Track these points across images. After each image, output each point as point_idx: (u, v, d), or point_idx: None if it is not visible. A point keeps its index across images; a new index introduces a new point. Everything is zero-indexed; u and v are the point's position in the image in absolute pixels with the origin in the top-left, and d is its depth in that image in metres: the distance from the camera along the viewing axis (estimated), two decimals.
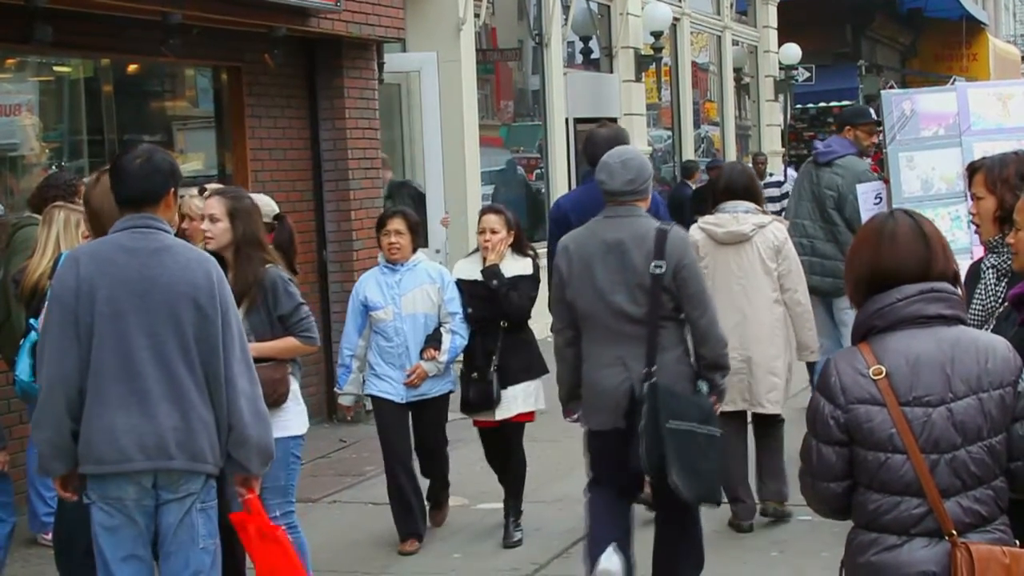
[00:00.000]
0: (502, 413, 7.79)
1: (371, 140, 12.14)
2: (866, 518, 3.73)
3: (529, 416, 7.94)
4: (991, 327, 4.58)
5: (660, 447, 5.92)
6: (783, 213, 17.45)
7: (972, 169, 5.12)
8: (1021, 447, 3.72)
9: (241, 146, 11.12)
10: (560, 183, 17.08)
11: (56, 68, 10.04)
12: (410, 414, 7.86)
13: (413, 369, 7.71)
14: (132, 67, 10.70)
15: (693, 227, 7.88)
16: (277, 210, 8.12)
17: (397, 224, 7.77)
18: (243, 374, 4.96)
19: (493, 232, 7.78)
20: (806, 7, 28.27)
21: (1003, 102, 8.03)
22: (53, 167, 9.69)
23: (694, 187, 18.68)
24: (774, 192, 18.21)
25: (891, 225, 3.83)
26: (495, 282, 7.69)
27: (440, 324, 7.76)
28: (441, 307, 7.76)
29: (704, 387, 6.20)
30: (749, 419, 7.97)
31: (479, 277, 7.76)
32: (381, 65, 12.24)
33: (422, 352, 7.72)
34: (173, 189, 5.04)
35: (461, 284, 7.84)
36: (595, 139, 7.54)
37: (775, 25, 26.92)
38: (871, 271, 3.78)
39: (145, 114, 11.10)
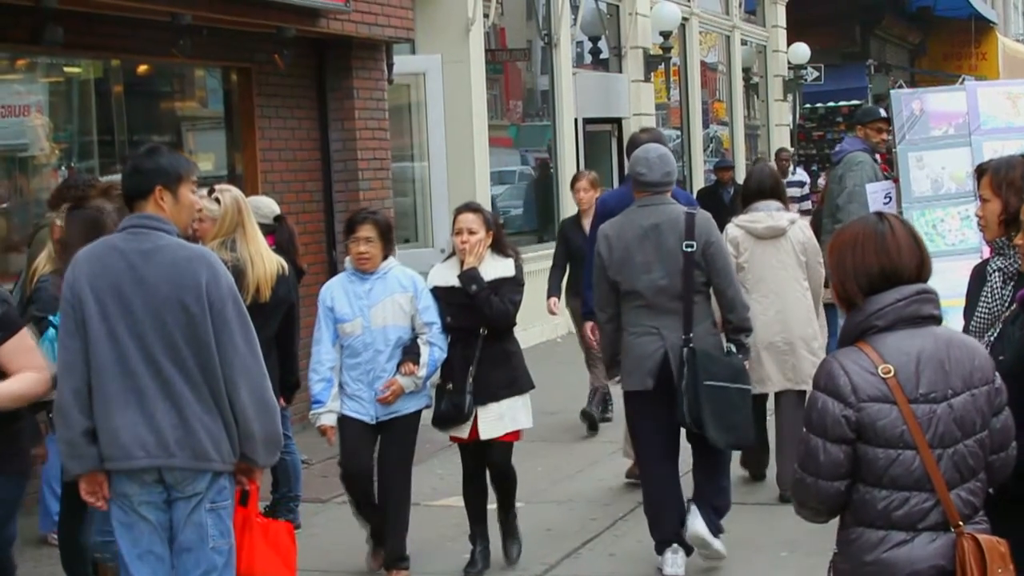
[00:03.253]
0: (486, 433, 7.18)
1: (380, 141, 12.15)
2: (872, 516, 3.78)
3: (515, 435, 7.34)
4: (996, 331, 4.61)
5: (699, 403, 6.82)
6: (801, 214, 17.43)
7: (980, 171, 5.14)
8: (1000, 439, 3.88)
9: (251, 147, 11.14)
10: (569, 183, 17.07)
11: (66, 69, 10.05)
12: (378, 435, 7.24)
13: (389, 384, 7.05)
14: (142, 68, 10.72)
15: (729, 225, 8.49)
16: (277, 211, 8.16)
17: (367, 231, 7.06)
18: (244, 369, 4.92)
19: (471, 232, 7.14)
20: (815, 6, 28.25)
21: (1013, 101, 8.04)
22: (63, 167, 9.72)
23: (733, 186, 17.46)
24: (796, 192, 18.10)
25: (887, 226, 3.90)
26: (474, 287, 7.05)
27: (416, 336, 7.13)
28: (415, 317, 7.11)
29: (732, 348, 7.08)
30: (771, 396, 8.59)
31: (456, 283, 7.13)
32: (390, 66, 12.24)
33: (399, 366, 7.06)
34: (160, 187, 4.97)
35: (437, 292, 7.18)
36: (637, 143, 8.14)
37: (784, 24, 26.91)
38: (880, 269, 3.84)
39: (155, 115, 11.12)
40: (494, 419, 7.19)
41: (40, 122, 9.64)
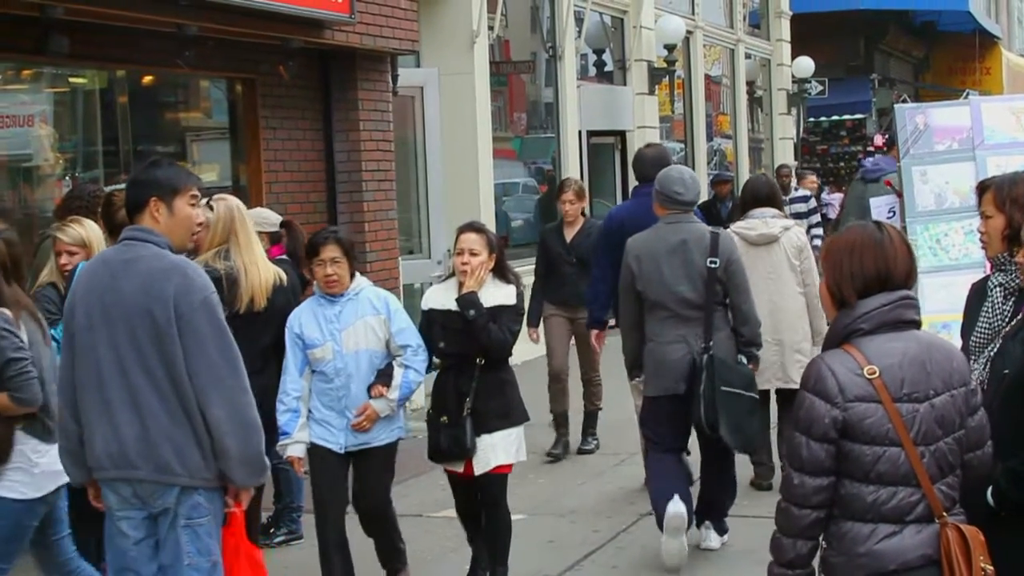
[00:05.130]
0: (480, 467, 6.84)
1: (385, 152, 12.17)
2: (861, 510, 3.93)
3: (507, 468, 6.97)
4: (996, 347, 4.64)
5: (715, 407, 7.28)
6: (810, 229, 17.40)
7: (982, 187, 5.16)
8: (974, 438, 4.06)
9: (255, 157, 11.15)
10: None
11: (71, 79, 10.07)
12: (350, 466, 6.89)
13: (361, 409, 6.67)
14: (147, 78, 10.74)
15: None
16: (280, 218, 8.14)
17: (332, 251, 6.67)
18: (217, 382, 4.84)
19: (472, 254, 6.78)
20: (819, 20, 28.30)
21: (1016, 116, 8.03)
22: (67, 178, 9.73)
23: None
24: (801, 208, 18.06)
25: (886, 234, 4.05)
26: (472, 312, 6.70)
27: (392, 358, 6.78)
28: (389, 341, 6.74)
29: (743, 359, 7.55)
30: (772, 396, 8.99)
31: (454, 307, 6.78)
32: (395, 77, 12.26)
33: (370, 389, 6.70)
34: (155, 199, 4.96)
35: (433, 315, 6.89)
36: (643, 158, 8.89)
37: (788, 38, 26.94)
38: (877, 273, 3.99)
39: (159, 125, 11.14)
40: (487, 451, 6.85)
41: (44, 132, 9.66)
